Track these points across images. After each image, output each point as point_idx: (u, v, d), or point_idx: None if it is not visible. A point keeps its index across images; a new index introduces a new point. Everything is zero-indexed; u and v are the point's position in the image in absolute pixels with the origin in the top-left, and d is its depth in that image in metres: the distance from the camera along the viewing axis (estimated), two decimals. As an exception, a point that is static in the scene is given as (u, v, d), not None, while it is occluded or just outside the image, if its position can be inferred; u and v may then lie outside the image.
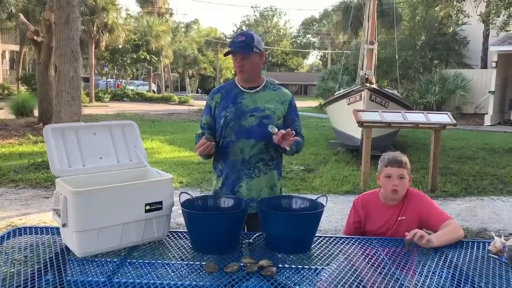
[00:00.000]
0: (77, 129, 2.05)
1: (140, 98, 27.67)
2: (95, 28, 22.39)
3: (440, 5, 13.88)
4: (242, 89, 2.31)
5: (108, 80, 31.87)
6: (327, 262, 1.77)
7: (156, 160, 8.23)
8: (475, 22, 15.39)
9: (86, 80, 24.08)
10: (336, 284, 1.55)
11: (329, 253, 1.87)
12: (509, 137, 12.30)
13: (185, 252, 1.84)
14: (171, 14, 40.95)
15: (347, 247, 1.96)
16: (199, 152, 2.19)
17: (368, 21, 10.51)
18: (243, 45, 2.19)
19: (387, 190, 2.27)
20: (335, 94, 11.55)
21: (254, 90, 2.31)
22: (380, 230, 2.28)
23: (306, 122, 15.09)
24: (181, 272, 1.65)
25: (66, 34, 7.12)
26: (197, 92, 48.21)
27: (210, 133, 2.30)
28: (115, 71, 32.60)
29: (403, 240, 1.96)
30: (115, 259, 1.76)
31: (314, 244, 1.95)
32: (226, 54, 2.28)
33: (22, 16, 12.98)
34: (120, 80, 34.87)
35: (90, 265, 1.70)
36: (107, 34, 23.12)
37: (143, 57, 28.72)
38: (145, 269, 1.68)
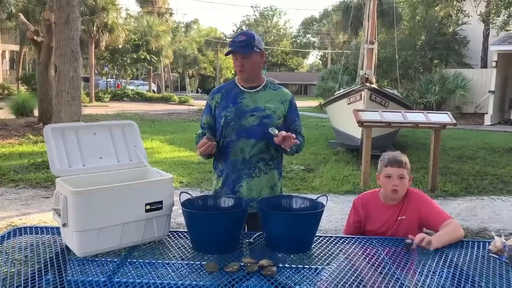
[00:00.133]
0: (77, 129, 2.05)
1: (140, 98, 27.67)
2: (95, 28, 22.39)
3: (440, 5, 13.89)
4: (242, 88, 2.31)
5: (108, 80, 31.87)
6: (327, 261, 1.77)
7: (156, 160, 8.23)
8: (475, 22, 15.41)
9: (86, 80, 24.08)
10: (337, 284, 1.55)
11: (329, 252, 1.87)
12: (509, 136, 12.30)
13: (186, 252, 1.84)
14: (171, 14, 40.96)
15: (347, 247, 1.96)
16: (200, 152, 2.19)
17: (368, 21, 10.51)
18: (243, 44, 2.19)
19: (387, 190, 2.27)
20: (335, 94, 11.55)
21: (254, 90, 2.31)
22: (380, 230, 2.28)
23: (306, 122, 15.09)
24: (181, 272, 1.65)
25: (66, 34, 7.12)
26: (197, 92, 48.20)
27: (210, 133, 2.30)
28: (115, 71, 32.60)
29: (404, 240, 1.96)
30: (116, 259, 1.76)
31: (315, 244, 1.95)
32: (227, 54, 2.28)
33: (22, 16, 12.98)
34: (120, 80, 34.87)
35: (91, 265, 1.70)
36: (107, 34, 23.12)
37: (143, 57, 28.72)
38: (145, 268, 1.68)
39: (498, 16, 11.90)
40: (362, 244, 2.01)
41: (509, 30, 13.09)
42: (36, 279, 1.57)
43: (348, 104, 8.39)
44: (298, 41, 60.19)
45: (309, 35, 58.28)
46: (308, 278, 1.64)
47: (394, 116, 6.62)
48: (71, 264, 1.72)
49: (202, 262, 1.72)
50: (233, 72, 44.82)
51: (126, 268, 1.70)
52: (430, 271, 1.69)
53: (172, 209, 1.96)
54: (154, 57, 29.43)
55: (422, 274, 1.67)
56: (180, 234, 2.06)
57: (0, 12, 21.59)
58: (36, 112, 12.49)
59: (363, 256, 1.87)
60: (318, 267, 1.72)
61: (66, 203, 1.73)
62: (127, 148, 2.13)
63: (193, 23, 52.23)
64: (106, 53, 27.11)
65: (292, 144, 2.14)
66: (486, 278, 1.65)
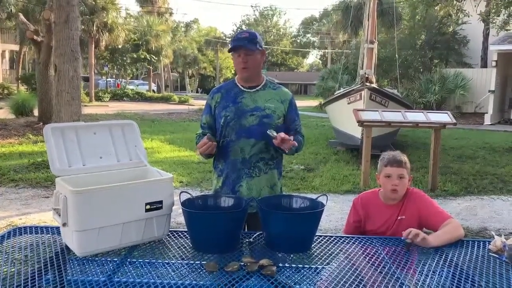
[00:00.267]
0: (77, 128, 2.05)
1: (140, 97, 27.67)
2: (95, 28, 22.38)
3: (440, 4, 13.89)
4: (242, 88, 2.31)
5: (108, 79, 31.87)
6: (327, 261, 1.77)
7: (156, 159, 8.23)
8: (475, 21, 15.41)
9: (86, 79, 24.10)
10: (337, 283, 1.55)
11: (329, 252, 1.87)
12: (509, 136, 12.30)
13: (186, 252, 1.84)
14: (170, 14, 40.95)
15: (347, 246, 1.96)
16: (200, 152, 2.19)
17: (368, 20, 10.50)
18: (247, 41, 2.20)
19: (387, 189, 2.27)
20: (335, 93, 11.54)
21: (254, 89, 2.30)
22: (380, 230, 2.28)
23: (306, 121, 15.09)
24: (181, 272, 1.65)
25: (66, 34, 7.11)
26: (197, 91, 48.19)
27: (210, 133, 2.30)
28: (115, 70, 32.60)
29: (404, 240, 1.96)
30: (115, 259, 1.76)
31: (314, 243, 1.95)
32: (230, 50, 2.25)
33: (21, 16, 12.97)
34: (120, 79, 34.87)
35: (90, 265, 1.70)
36: (107, 33, 23.11)
37: (143, 56, 28.72)
38: (145, 268, 1.68)
39: (498, 16, 11.90)
40: (362, 243, 2.01)
41: (509, 30, 13.09)
42: (36, 278, 1.57)
43: (348, 103, 8.39)
44: (298, 40, 60.18)
45: (309, 35, 58.29)
46: (308, 277, 1.64)
47: (394, 115, 6.62)
48: (71, 264, 1.72)
49: (202, 262, 1.72)
50: (233, 72, 44.81)
51: (126, 267, 1.69)
52: (430, 271, 1.69)
53: (172, 209, 1.96)
54: (154, 57, 29.43)
55: (422, 273, 1.67)
56: (180, 233, 2.06)
57: (0, 12, 21.57)
58: (36, 112, 12.49)
59: (363, 255, 1.87)
60: (318, 266, 1.72)
61: (66, 202, 1.73)
62: (127, 147, 2.13)
63: (193, 23, 52.22)
64: (106, 52, 27.11)
65: (291, 146, 2.14)
66: (486, 277, 1.65)
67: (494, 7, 11.85)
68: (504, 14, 11.77)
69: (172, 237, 2.02)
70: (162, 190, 1.92)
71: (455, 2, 13.16)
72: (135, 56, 28.60)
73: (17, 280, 1.56)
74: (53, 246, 1.89)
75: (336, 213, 5.04)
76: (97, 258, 1.75)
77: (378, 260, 1.80)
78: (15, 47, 27.14)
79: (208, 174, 6.69)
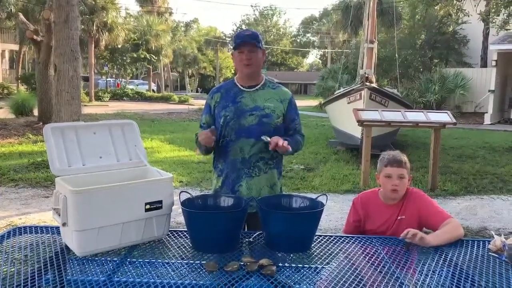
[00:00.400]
0: (77, 128, 2.05)
1: (140, 97, 27.66)
2: (94, 27, 22.38)
3: (440, 4, 13.89)
4: (242, 88, 2.31)
5: (107, 79, 31.85)
6: (327, 261, 1.77)
7: (156, 159, 8.23)
8: (475, 21, 15.40)
9: (86, 79, 24.07)
10: (336, 283, 1.55)
11: (329, 252, 1.87)
12: (509, 135, 12.30)
13: (185, 251, 1.84)
14: (170, 13, 40.95)
15: (347, 246, 1.96)
16: (199, 140, 2.18)
17: (368, 20, 10.50)
18: (250, 38, 2.21)
19: (387, 190, 2.26)
20: (335, 93, 11.54)
21: (253, 89, 2.30)
22: (379, 229, 2.28)
23: (306, 121, 15.09)
24: (181, 271, 1.65)
25: (66, 33, 7.11)
26: (197, 91, 48.18)
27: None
28: (115, 70, 32.57)
29: (404, 240, 1.97)
30: (115, 258, 1.76)
31: (314, 243, 1.95)
32: (235, 47, 2.25)
33: (21, 16, 12.97)
34: (120, 79, 34.84)
35: (90, 264, 1.70)
36: (106, 33, 23.11)
37: (142, 56, 28.71)
38: (145, 268, 1.68)
39: (498, 15, 11.90)
40: (362, 243, 2.01)
41: (509, 29, 13.09)
42: (36, 278, 1.57)
43: (348, 103, 8.39)
44: (298, 40, 60.14)
45: (309, 34, 58.22)
46: (308, 277, 1.64)
47: (394, 115, 6.62)
48: (71, 264, 1.72)
49: (202, 262, 1.72)
50: (232, 71, 44.82)
51: (126, 267, 1.70)
52: (430, 270, 1.69)
53: (172, 209, 1.96)
54: (154, 57, 29.42)
55: (422, 273, 1.67)
56: (180, 233, 2.06)
57: (0, 12, 21.56)
58: (35, 112, 12.49)
59: (363, 255, 1.87)
60: (318, 266, 1.72)
61: (65, 202, 1.73)
62: (127, 147, 2.13)
63: (193, 22, 52.20)
64: (106, 52, 27.10)
65: (285, 150, 2.14)
66: (486, 277, 1.66)
67: (494, 6, 11.85)
68: (504, 14, 11.77)
69: (172, 237, 2.02)
70: (162, 190, 1.92)
71: (455, 1, 13.16)
72: (135, 55, 28.59)
73: (17, 280, 1.56)
74: (53, 246, 1.89)
75: (336, 212, 5.04)
76: (97, 258, 1.75)
77: (378, 259, 1.80)
78: (15, 47, 27.14)
79: (208, 174, 6.69)
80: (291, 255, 1.82)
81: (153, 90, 33.60)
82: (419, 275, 1.65)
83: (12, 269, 1.65)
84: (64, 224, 1.77)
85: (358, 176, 6.67)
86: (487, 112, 15.70)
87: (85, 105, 17.82)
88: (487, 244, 1.97)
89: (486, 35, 18.63)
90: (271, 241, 1.89)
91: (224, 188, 2.31)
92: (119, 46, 25.78)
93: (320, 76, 24.08)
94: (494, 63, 15.28)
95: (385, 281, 1.57)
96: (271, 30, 59.45)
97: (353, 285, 1.54)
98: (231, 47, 2.32)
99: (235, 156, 2.27)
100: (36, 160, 7.46)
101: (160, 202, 1.90)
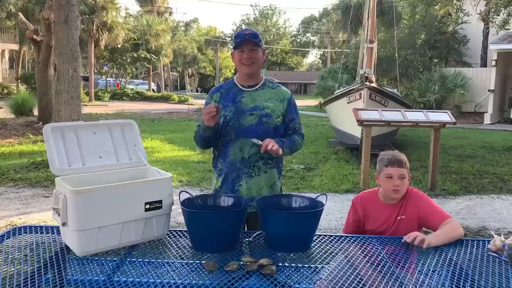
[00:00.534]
0: (77, 128, 2.05)
1: (140, 97, 27.67)
2: (94, 27, 22.38)
3: (439, 4, 13.89)
4: (241, 88, 2.31)
5: (107, 79, 31.83)
6: (326, 260, 1.77)
7: (156, 159, 8.23)
8: (475, 21, 15.41)
9: (86, 79, 24.06)
10: (336, 283, 1.55)
11: (329, 251, 1.87)
12: (509, 135, 12.30)
13: (185, 251, 1.84)
14: (170, 13, 40.94)
15: (346, 246, 1.96)
16: (203, 118, 2.14)
17: (368, 20, 10.51)
18: (251, 37, 2.21)
19: (388, 190, 2.26)
20: (334, 93, 11.54)
21: (253, 89, 2.30)
22: (379, 229, 2.28)
23: (306, 121, 15.09)
24: (181, 271, 1.65)
25: (66, 33, 7.11)
26: (197, 91, 48.18)
27: (210, 133, 2.27)
28: (115, 70, 32.58)
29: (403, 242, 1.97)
30: (115, 258, 1.76)
31: (314, 243, 1.95)
32: (235, 47, 2.25)
33: (21, 15, 12.95)
34: (120, 79, 34.83)
35: (90, 264, 1.70)
36: (106, 33, 23.12)
37: (142, 56, 28.70)
38: (145, 268, 1.68)
39: (498, 15, 11.89)
40: (361, 243, 2.01)
41: (509, 29, 13.08)
42: (36, 278, 1.57)
43: (348, 103, 8.39)
44: (298, 40, 60.13)
45: (308, 34, 58.22)
46: (308, 277, 1.64)
47: (394, 115, 6.62)
48: (71, 263, 1.72)
49: (202, 261, 1.72)
50: (232, 71, 44.82)
51: (125, 267, 1.70)
52: (429, 270, 1.69)
53: (171, 208, 1.96)
54: (154, 56, 29.42)
55: (422, 273, 1.67)
56: (179, 233, 2.06)
57: (-1, 11, 21.57)
58: (35, 111, 12.50)
59: (363, 255, 1.87)
60: (318, 266, 1.72)
61: (65, 202, 1.73)
62: (127, 147, 2.13)
63: (193, 22, 52.17)
64: (106, 52, 27.10)
65: (275, 153, 2.13)
66: (486, 276, 1.66)
67: (494, 6, 11.85)
68: (503, 13, 11.77)
69: (172, 236, 2.02)
70: (162, 189, 1.92)
71: (454, 1, 13.15)
72: (134, 55, 28.59)
73: (17, 279, 1.56)
74: (52, 246, 1.89)
75: (335, 212, 5.04)
76: (96, 258, 1.75)
77: (378, 259, 1.80)
78: (15, 47, 27.11)
79: (208, 174, 6.69)
80: (291, 254, 1.82)
81: (153, 90, 33.61)
82: (418, 275, 1.65)
83: (12, 269, 1.65)
84: (64, 224, 1.77)
85: (358, 176, 6.67)
86: (487, 112, 15.70)
87: (85, 105, 17.80)
88: (486, 243, 1.98)
89: (486, 35, 18.63)
90: (271, 240, 1.89)
91: (224, 187, 2.31)
92: (119, 45, 25.78)
93: (320, 76, 24.05)
94: (494, 62, 15.28)
95: (385, 281, 1.57)
96: (271, 30, 59.41)
97: (353, 285, 1.54)
98: (231, 47, 2.32)
99: (235, 156, 2.27)
100: (36, 160, 7.46)
101: (160, 202, 1.90)
